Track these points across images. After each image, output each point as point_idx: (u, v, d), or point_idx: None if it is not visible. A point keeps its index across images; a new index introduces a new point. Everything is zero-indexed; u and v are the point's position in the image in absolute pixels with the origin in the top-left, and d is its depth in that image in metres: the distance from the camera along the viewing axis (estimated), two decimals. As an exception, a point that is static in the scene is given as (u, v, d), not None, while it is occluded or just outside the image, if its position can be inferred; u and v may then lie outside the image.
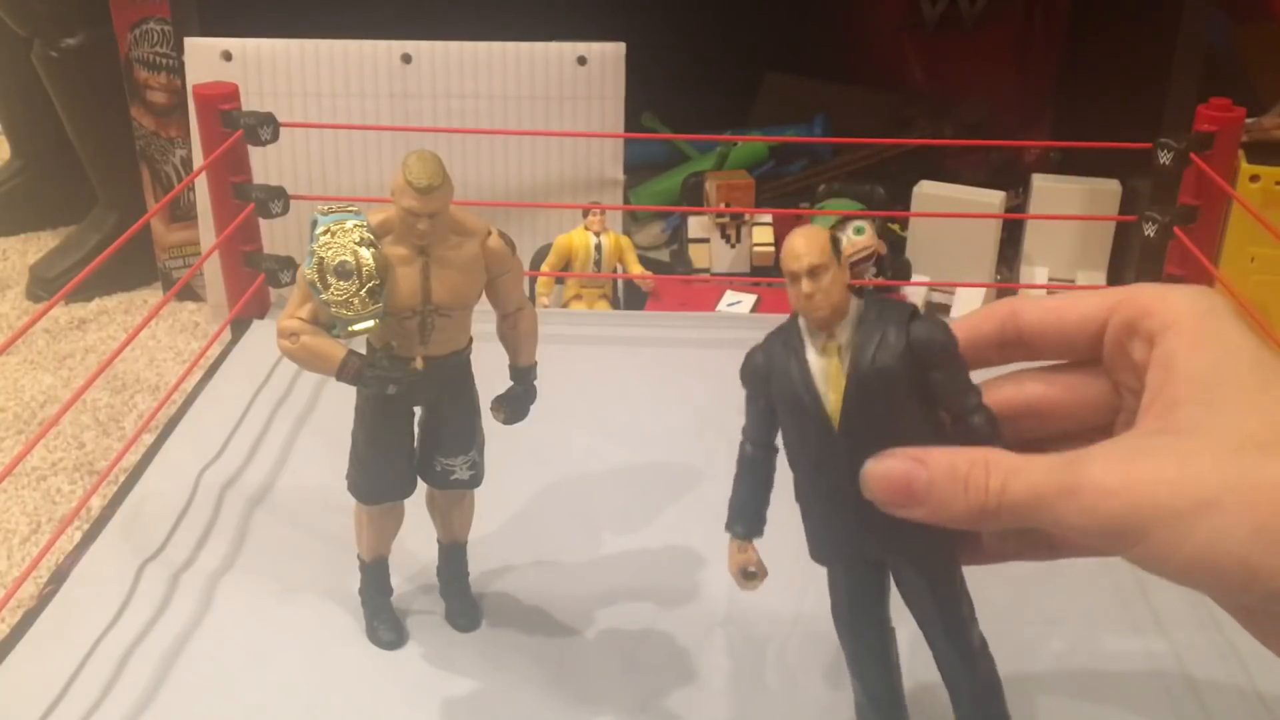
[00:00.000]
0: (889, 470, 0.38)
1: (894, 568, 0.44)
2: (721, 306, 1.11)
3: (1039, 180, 1.26)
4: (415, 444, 0.59)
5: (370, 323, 0.52)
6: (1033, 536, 0.42)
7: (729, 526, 0.45)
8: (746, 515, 0.45)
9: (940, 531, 0.38)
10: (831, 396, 0.40)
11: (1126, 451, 0.36)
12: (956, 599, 0.43)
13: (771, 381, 0.42)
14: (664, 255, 1.35)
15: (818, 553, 0.44)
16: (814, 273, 0.39)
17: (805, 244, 0.39)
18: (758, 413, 0.44)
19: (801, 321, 0.41)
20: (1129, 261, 1.21)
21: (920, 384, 0.39)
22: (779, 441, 0.44)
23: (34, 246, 1.43)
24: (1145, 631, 0.62)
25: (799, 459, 0.43)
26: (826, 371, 0.40)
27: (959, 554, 0.43)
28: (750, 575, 0.44)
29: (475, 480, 0.60)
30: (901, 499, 0.38)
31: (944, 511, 0.37)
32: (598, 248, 1.07)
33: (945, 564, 0.42)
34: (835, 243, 0.40)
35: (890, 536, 0.41)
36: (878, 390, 0.39)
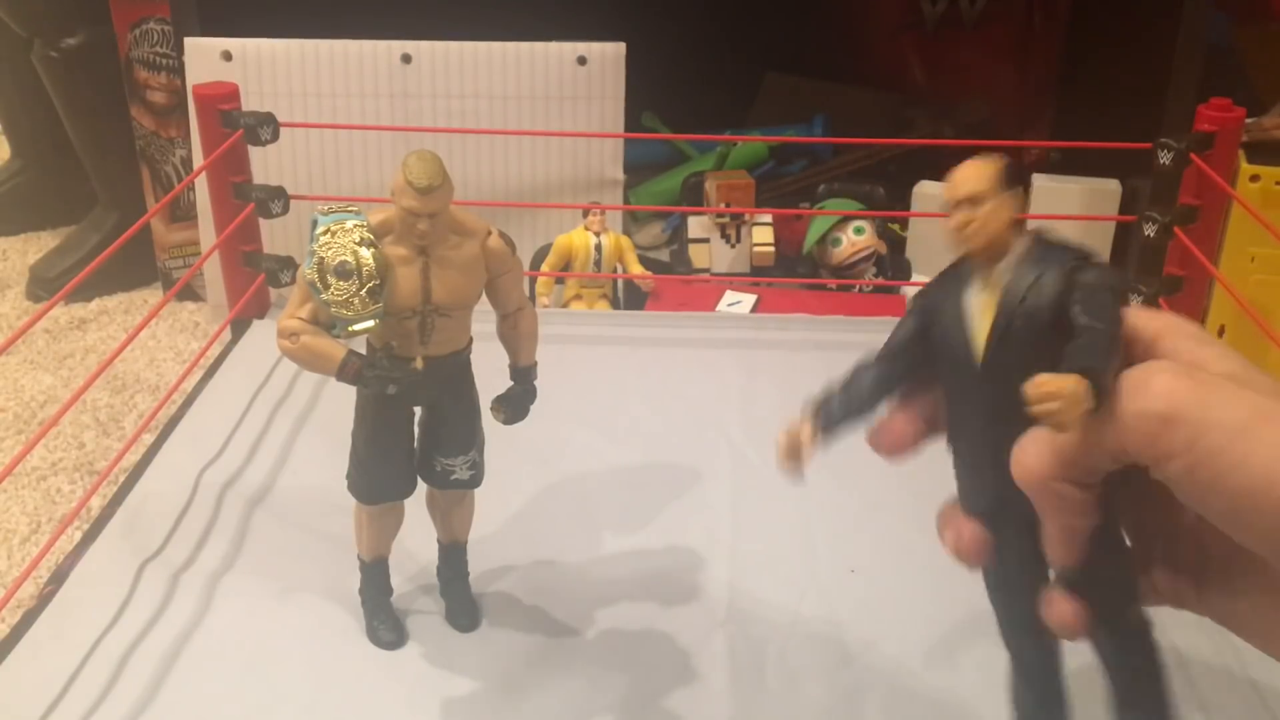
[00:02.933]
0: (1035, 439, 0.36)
1: (1035, 522, 0.39)
2: (721, 306, 1.11)
3: (1039, 180, 1.26)
4: (415, 444, 0.59)
5: (370, 323, 0.52)
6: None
7: (808, 406, 0.42)
8: (837, 415, 0.41)
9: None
10: (979, 334, 0.38)
11: (1188, 366, 0.35)
12: (1118, 600, 0.39)
13: (929, 311, 0.40)
14: (664, 255, 1.35)
15: (965, 502, 0.41)
16: (973, 201, 0.37)
17: (970, 171, 0.38)
18: (903, 332, 0.41)
19: (968, 260, 0.39)
20: (1129, 261, 1.20)
21: (1071, 325, 0.37)
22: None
23: (34, 246, 1.43)
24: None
25: (950, 398, 0.40)
26: (980, 309, 0.38)
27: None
28: (793, 447, 0.41)
29: (475, 480, 0.60)
30: (1016, 465, 0.36)
31: (1036, 452, 0.36)
32: (598, 248, 1.07)
33: (1105, 557, 0.39)
34: (1007, 173, 0.38)
35: None
36: (1023, 330, 0.37)
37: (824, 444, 0.42)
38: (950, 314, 0.39)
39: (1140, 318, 0.38)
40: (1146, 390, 0.34)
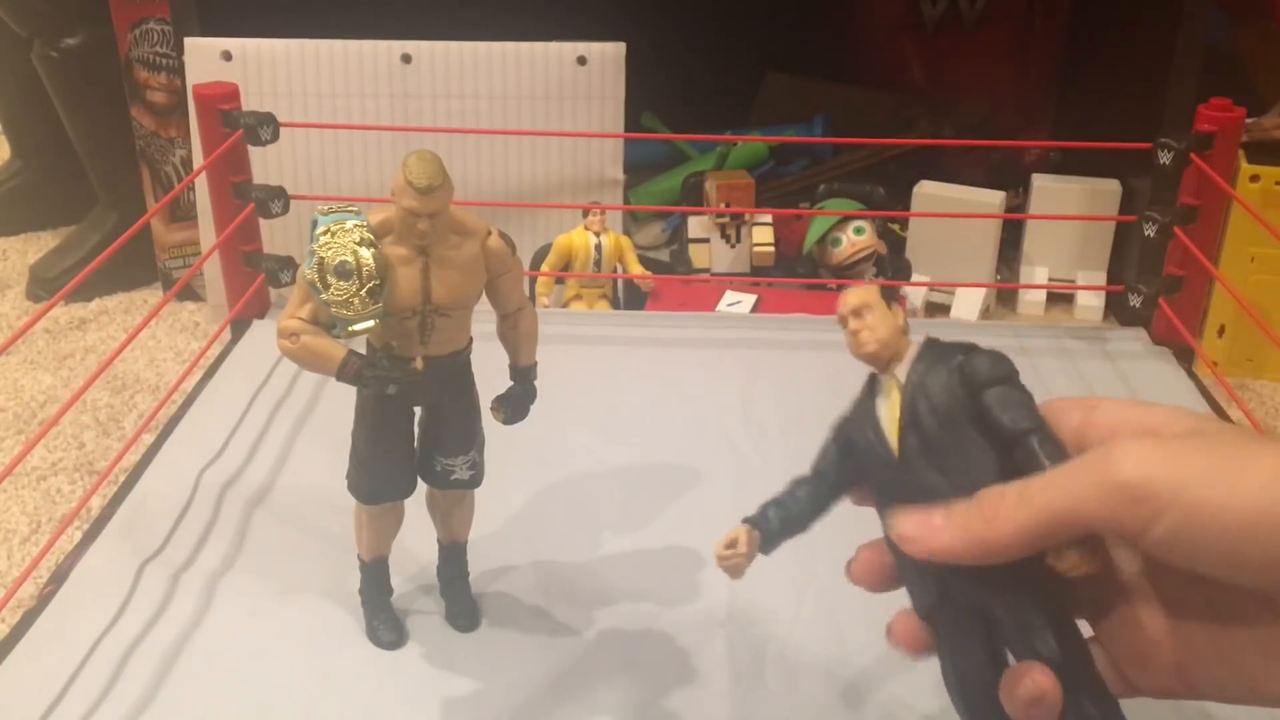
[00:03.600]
0: (909, 514, 0.38)
1: (987, 612, 0.39)
2: (721, 306, 1.11)
3: (1039, 180, 1.26)
4: (415, 444, 0.59)
5: (370, 323, 0.52)
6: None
7: (750, 517, 0.45)
8: (769, 526, 0.44)
9: (1030, 562, 0.36)
10: (891, 429, 0.41)
11: (1144, 437, 0.35)
12: (1068, 640, 0.38)
13: (850, 432, 0.43)
14: (664, 255, 1.35)
15: (914, 602, 0.41)
16: (857, 311, 0.41)
17: (855, 292, 0.42)
18: (825, 453, 0.44)
19: (877, 375, 0.42)
20: (1129, 261, 1.21)
21: (976, 413, 0.39)
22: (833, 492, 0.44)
23: (34, 246, 1.43)
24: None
25: (883, 503, 0.42)
26: (889, 408, 0.41)
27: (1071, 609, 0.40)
28: (731, 554, 0.43)
29: (475, 480, 0.60)
30: (924, 531, 0.37)
31: (965, 529, 0.36)
32: (598, 248, 1.07)
33: (1040, 600, 0.38)
34: (884, 292, 0.41)
35: (973, 572, 0.38)
36: (928, 414, 0.39)
37: (763, 553, 0.44)
38: (866, 422, 0.41)
39: (1062, 404, 0.39)
40: (1110, 466, 0.34)
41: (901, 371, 0.41)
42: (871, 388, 0.42)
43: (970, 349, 0.40)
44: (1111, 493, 0.33)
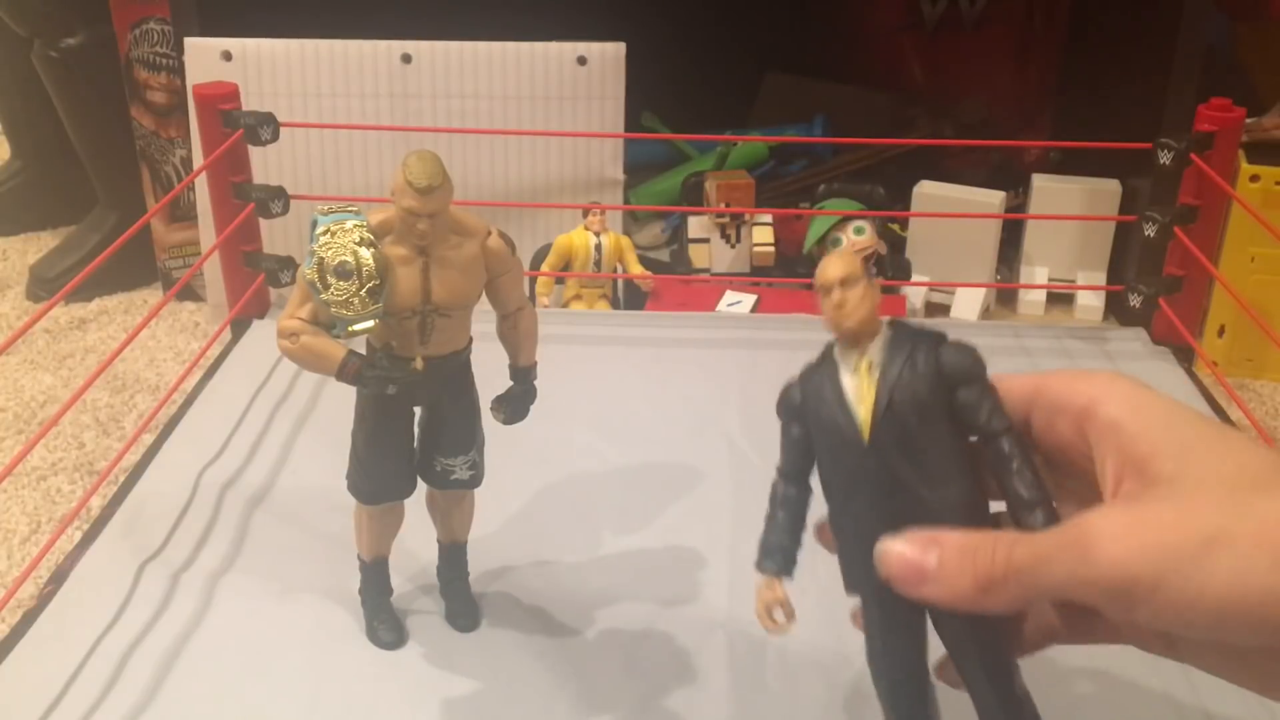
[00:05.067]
0: (904, 550, 0.38)
1: (933, 613, 0.42)
2: (721, 306, 1.11)
3: (1039, 180, 1.26)
4: (415, 444, 0.59)
5: (370, 323, 0.52)
6: (1074, 618, 0.41)
7: (759, 564, 0.44)
8: (778, 552, 0.44)
9: None
10: (862, 412, 0.40)
11: (1122, 506, 0.36)
12: (998, 640, 0.41)
13: (806, 407, 0.42)
14: (664, 255, 1.35)
15: (850, 582, 0.43)
16: (845, 282, 0.40)
17: (838, 260, 0.41)
18: (792, 444, 0.43)
19: (836, 348, 0.41)
20: (1129, 261, 1.21)
21: (949, 407, 0.40)
22: (814, 481, 0.43)
23: (34, 246, 1.43)
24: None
25: (832, 484, 0.42)
26: (859, 389, 0.40)
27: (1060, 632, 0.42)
28: (782, 625, 0.43)
29: (475, 480, 0.60)
30: (914, 577, 0.38)
31: (954, 586, 0.37)
32: (598, 248, 1.07)
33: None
34: (868, 262, 0.41)
35: None
36: (908, 405, 0.39)
37: (790, 580, 0.44)
38: (829, 399, 0.41)
39: (1068, 383, 0.39)
40: (1089, 557, 0.34)
41: (875, 352, 0.40)
42: (831, 362, 0.41)
43: (939, 339, 0.40)
44: (1091, 588, 0.34)
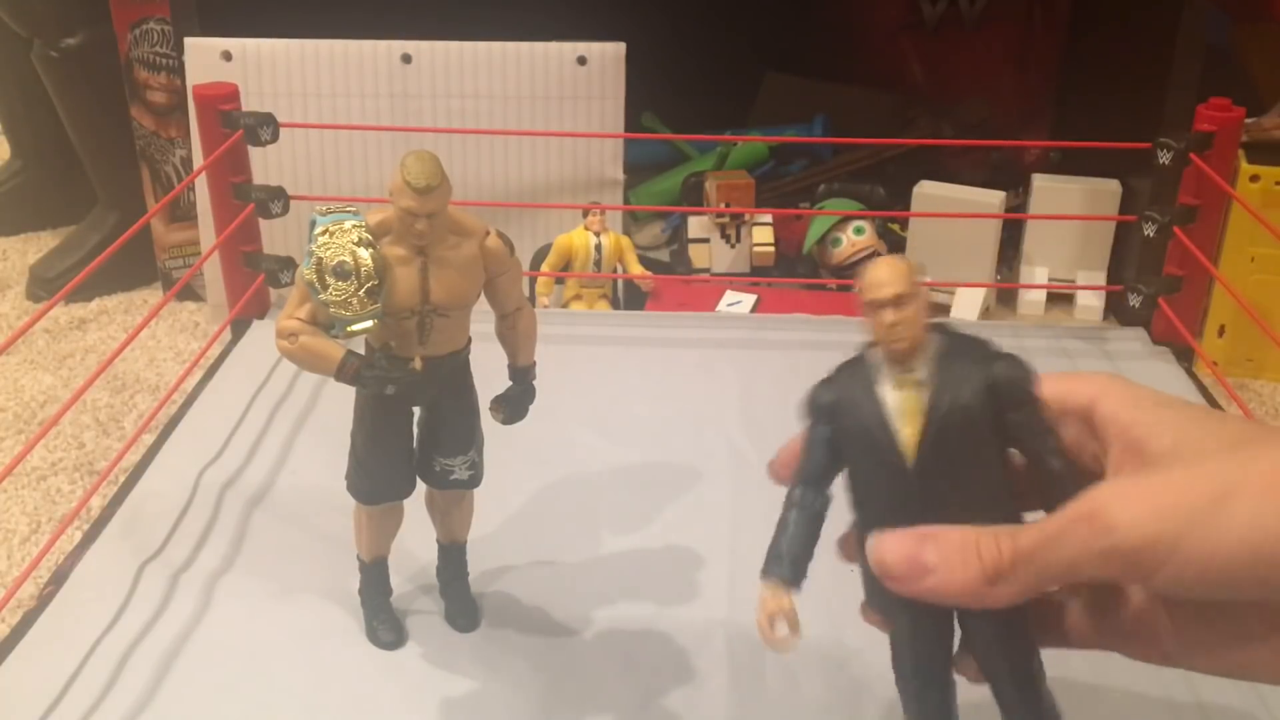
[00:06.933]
0: (898, 544, 0.37)
1: (961, 616, 0.40)
2: (721, 306, 1.11)
3: (1039, 180, 1.26)
4: (415, 444, 0.59)
5: (369, 323, 0.52)
6: (1106, 612, 0.40)
7: (765, 570, 0.41)
8: (787, 560, 0.41)
9: None
10: (907, 433, 0.38)
11: (1127, 478, 0.36)
12: (1027, 652, 0.40)
13: (839, 416, 0.39)
14: (664, 255, 1.35)
15: (879, 601, 0.41)
16: (899, 301, 0.38)
17: (890, 272, 0.38)
18: (816, 446, 0.40)
19: (874, 356, 0.39)
20: (1129, 261, 1.21)
21: (999, 424, 0.38)
22: (829, 489, 0.41)
23: (34, 246, 1.43)
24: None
25: (865, 500, 0.40)
26: (902, 407, 0.38)
27: (1040, 635, 0.41)
28: (786, 639, 0.40)
29: (474, 480, 0.60)
30: (912, 571, 0.37)
31: (959, 579, 0.36)
32: (598, 248, 1.07)
33: (1015, 612, 0.38)
34: (920, 271, 0.39)
35: None
36: (958, 429, 0.37)
37: (799, 592, 0.41)
38: (868, 414, 0.38)
39: (1068, 385, 0.39)
40: (1104, 530, 0.34)
41: (922, 369, 0.38)
42: (869, 368, 0.39)
43: (992, 355, 0.38)
44: (1109, 557, 0.34)
